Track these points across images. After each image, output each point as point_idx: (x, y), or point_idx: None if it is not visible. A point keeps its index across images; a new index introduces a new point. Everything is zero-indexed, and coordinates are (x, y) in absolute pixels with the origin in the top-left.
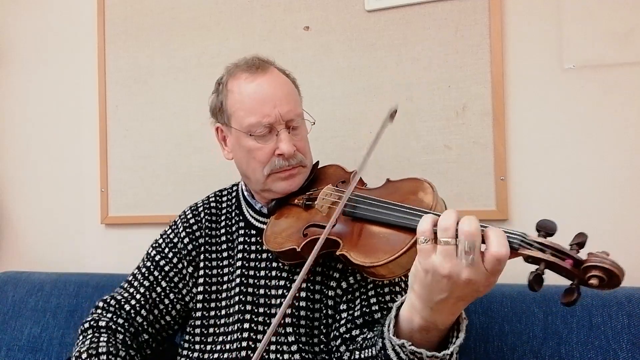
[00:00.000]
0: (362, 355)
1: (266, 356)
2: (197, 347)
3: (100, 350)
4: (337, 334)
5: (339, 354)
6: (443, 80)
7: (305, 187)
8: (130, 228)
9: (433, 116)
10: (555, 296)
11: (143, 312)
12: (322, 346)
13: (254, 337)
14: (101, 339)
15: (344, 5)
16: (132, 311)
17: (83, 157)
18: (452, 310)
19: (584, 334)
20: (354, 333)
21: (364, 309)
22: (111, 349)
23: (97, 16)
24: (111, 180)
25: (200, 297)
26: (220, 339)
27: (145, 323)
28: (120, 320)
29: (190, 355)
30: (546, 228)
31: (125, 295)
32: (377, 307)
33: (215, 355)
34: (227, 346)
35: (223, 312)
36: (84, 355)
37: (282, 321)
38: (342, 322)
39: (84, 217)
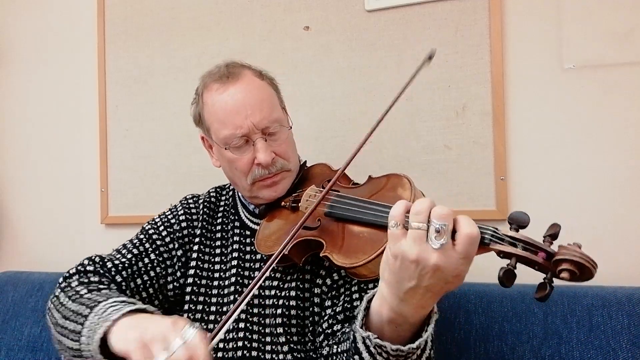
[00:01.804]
0: (339, 349)
1: (262, 356)
2: None
3: (91, 279)
4: (320, 330)
5: (321, 350)
6: (443, 80)
7: (292, 188)
8: (130, 228)
9: (433, 116)
10: (555, 296)
11: (124, 273)
12: (310, 344)
13: (249, 336)
14: (90, 277)
15: (344, 5)
16: (113, 269)
17: (83, 157)
18: (421, 302)
19: (584, 334)
20: (335, 328)
21: (345, 305)
22: (103, 280)
23: (97, 16)
24: (111, 180)
25: (188, 289)
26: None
27: (124, 284)
28: (102, 271)
29: None
30: (518, 221)
31: (109, 256)
32: (359, 303)
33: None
34: (222, 345)
35: (213, 308)
36: (76, 284)
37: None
38: (325, 317)
39: (84, 217)
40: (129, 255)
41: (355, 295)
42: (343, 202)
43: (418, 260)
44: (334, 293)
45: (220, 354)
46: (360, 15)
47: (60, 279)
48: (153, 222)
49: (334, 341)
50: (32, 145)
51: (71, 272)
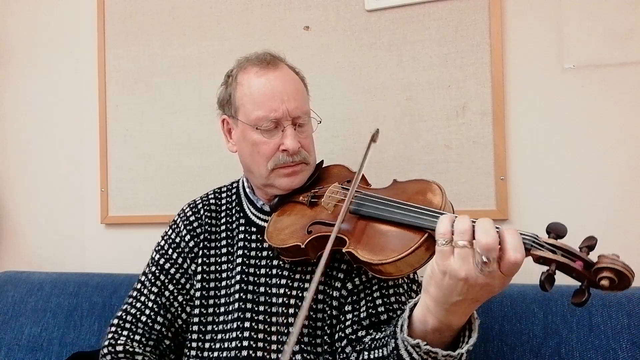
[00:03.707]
0: (372, 356)
1: (267, 356)
2: (194, 344)
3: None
4: (343, 334)
5: (344, 355)
6: (443, 80)
7: (309, 185)
8: (130, 228)
9: (433, 116)
10: (556, 296)
11: (159, 319)
12: (325, 347)
13: (254, 336)
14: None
15: (344, 5)
16: (149, 321)
17: (83, 157)
18: (466, 310)
19: (584, 334)
20: (359, 334)
21: (369, 310)
22: (147, 350)
23: (97, 16)
24: (111, 180)
25: (197, 294)
26: (219, 336)
27: (164, 329)
28: (137, 337)
29: (188, 353)
30: (557, 230)
31: (138, 306)
32: (383, 309)
33: (215, 354)
34: (227, 345)
35: (222, 309)
36: None
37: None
38: (348, 323)
39: (84, 217)
40: (152, 297)
41: (379, 301)
42: (372, 200)
43: (467, 279)
44: (354, 298)
45: (224, 354)
46: (360, 15)
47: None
48: (159, 248)
49: (361, 347)
50: (32, 145)
51: (104, 352)
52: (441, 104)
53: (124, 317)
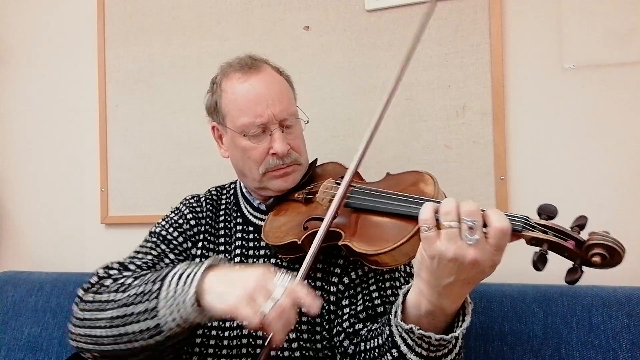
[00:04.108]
0: (368, 346)
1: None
2: (197, 340)
3: (130, 277)
4: (340, 329)
5: (342, 349)
6: (443, 80)
7: (304, 183)
8: (130, 228)
9: (433, 116)
10: (556, 296)
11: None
12: (324, 342)
13: (253, 333)
14: (120, 279)
15: (344, 5)
16: (138, 270)
17: (83, 157)
18: (459, 293)
19: (584, 334)
20: (357, 327)
21: (366, 303)
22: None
23: (97, 16)
24: (111, 180)
25: None
26: (218, 333)
27: None
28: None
29: (190, 350)
30: (547, 211)
31: (129, 260)
32: (379, 301)
33: (213, 350)
34: (227, 342)
35: None
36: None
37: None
38: (345, 317)
39: (84, 217)
40: (149, 257)
41: (375, 294)
42: (365, 193)
43: (456, 258)
44: (351, 292)
45: (224, 351)
46: (360, 15)
47: (80, 292)
48: (160, 225)
49: (359, 339)
50: (32, 146)
51: (92, 281)
52: (441, 104)
53: (110, 264)
